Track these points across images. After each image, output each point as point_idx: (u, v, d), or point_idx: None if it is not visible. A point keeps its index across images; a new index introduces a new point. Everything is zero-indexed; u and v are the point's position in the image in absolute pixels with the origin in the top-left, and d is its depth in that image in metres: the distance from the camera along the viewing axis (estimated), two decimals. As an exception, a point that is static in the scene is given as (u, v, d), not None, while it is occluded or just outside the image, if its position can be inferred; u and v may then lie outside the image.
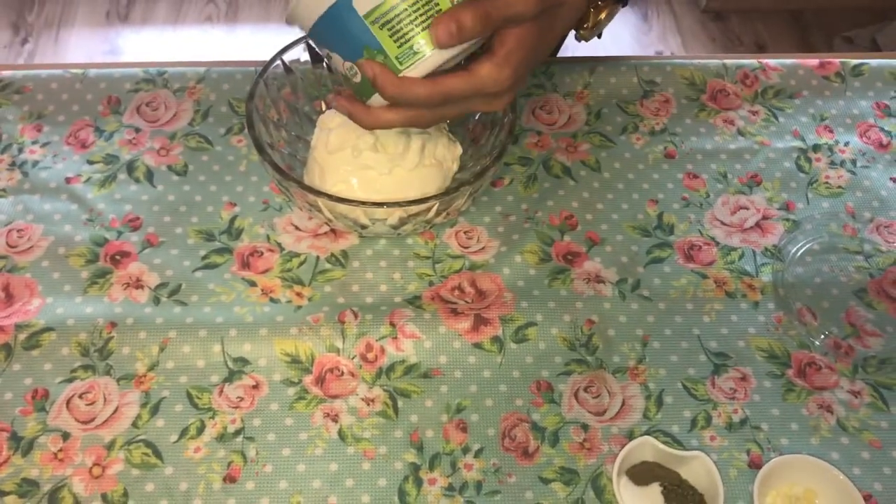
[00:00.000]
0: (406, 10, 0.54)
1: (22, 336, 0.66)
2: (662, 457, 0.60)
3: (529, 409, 0.64)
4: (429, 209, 0.66)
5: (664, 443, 0.61)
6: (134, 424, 0.62)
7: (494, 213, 0.75)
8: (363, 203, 0.64)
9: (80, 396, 0.63)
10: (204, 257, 0.71)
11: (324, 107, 0.77)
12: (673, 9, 2.27)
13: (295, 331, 0.67)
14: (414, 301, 0.69)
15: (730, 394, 0.66)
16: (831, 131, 0.83)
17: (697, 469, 0.59)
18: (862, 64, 0.88)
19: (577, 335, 0.68)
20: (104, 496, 0.59)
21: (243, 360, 0.65)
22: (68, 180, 0.75)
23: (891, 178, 0.80)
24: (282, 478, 0.60)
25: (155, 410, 0.63)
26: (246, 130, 0.80)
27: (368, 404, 0.64)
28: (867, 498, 0.61)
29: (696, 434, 0.64)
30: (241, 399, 0.64)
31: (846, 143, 0.82)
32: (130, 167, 0.77)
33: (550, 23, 0.59)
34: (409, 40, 0.54)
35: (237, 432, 0.62)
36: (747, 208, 0.77)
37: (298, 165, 0.74)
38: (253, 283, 0.70)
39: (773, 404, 0.65)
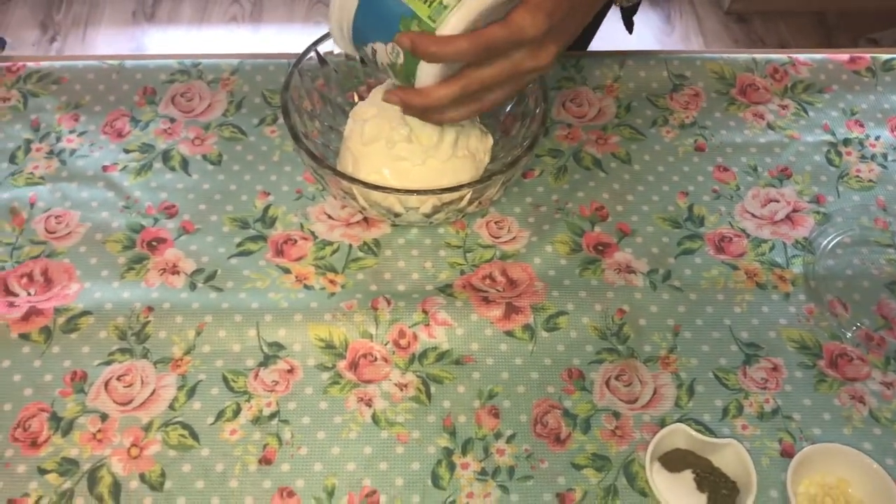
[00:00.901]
0: None
1: (61, 319, 0.67)
2: (695, 444, 0.60)
3: (561, 397, 0.65)
4: (462, 197, 0.67)
5: (696, 431, 0.61)
6: (171, 407, 0.63)
7: (525, 203, 0.76)
8: (397, 190, 0.65)
9: (118, 379, 0.64)
10: (239, 244, 0.72)
11: (356, 98, 0.78)
12: (696, 10, 2.27)
13: (329, 317, 0.68)
14: (445, 289, 0.70)
15: (761, 384, 0.66)
16: (862, 125, 0.83)
17: (730, 457, 0.60)
18: (893, 59, 0.88)
19: (608, 324, 0.68)
20: (142, 476, 0.60)
21: (278, 345, 0.66)
22: (105, 168, 0.77)
23: (922, 173, 0.79)
24: (317, 460, 0.61)
25: (191, 393, 0.64)
26: (279, 121, 0.81)
27: (401, 389, 0.64)
28: (900, 488, 0.61)
29: (728, 423, 0.64)
30: (277, 383, 0.64)
31: (877, 138, 0.82)
32: (166, 156, 0.78)
33: None
34: None
35: (272, 415, 0.63)
36: (777, 201, 0.77)
37: (331, 155, 0.74)
38: (287, 270, 0.70)
39: (804, 394, 0.65)
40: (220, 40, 2.13)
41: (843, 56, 0.89)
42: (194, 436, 0.62)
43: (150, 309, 0.68)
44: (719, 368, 0.66)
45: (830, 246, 0.74)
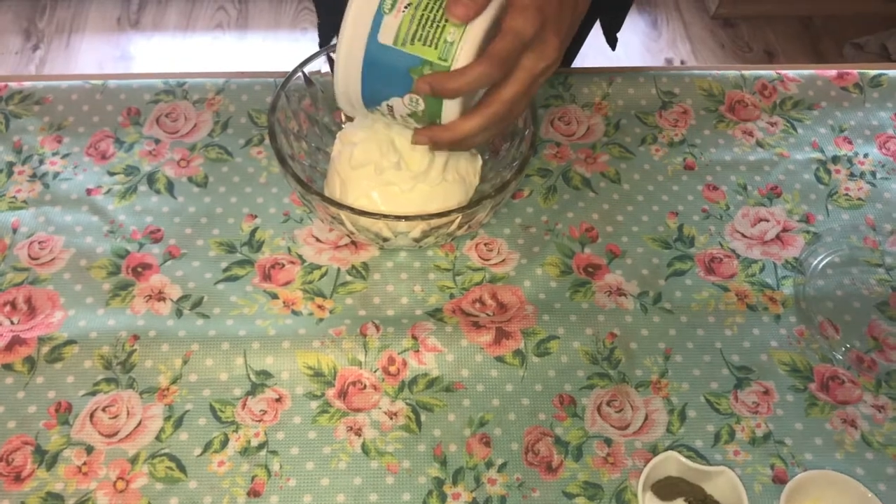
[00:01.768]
0: (423, 14, 0.55)
1: (45, 349, 0.66)
2: (687, 472, 0.60)
3: (552, 423, 0.64)
4: (451, 222, 0.66)
5: (688, 457, 0.61)
6: (157, 438, 0.62)
7: (514, 225, 0.75)
8: (386, 216, 0.64)
9: (104, 410, 0.63)
10: (225, 269, 0.71)
11: (343, 119, 0.77)
12: (682, 16, 2.27)
13: (317, 344, 0.67)
14: (435, 314, 0.69)
15: (753, 408, 0.65)
16: (850, 143, 0.83)
17: (722, 485, 0.59)
18: (880, 75, 0.88)
19: (599, 349, 0.68)
20: (129, 510, 0.59)
21: (266, 374, 0.65)
22: (89, 192, 0.76)
23: (911, 190, 0.80)
24: (306, 492, 0.60)
25: (178, 424, 0.63)
26: (266, 141, 0.80)
27: (391, 418, 0.64)
28: (892, 514, 0.61)
29: (720, 448, 0.63)
30: (265, 412, 0.64)
31: (865, 155, 0.82)
32: (151, 179, 0.77)
33: None
34: (440, 37, 0.55)
35: (261, 446, 0.62)
36: (767, 220, 0.77)
37: (318, 177, 0.74)
38: (275, 296, 0.70)
39: (796, 418, 0.65)
40: (205, 47, 2.11)
41: (831, 72, 0.89)
42: (181, 468, 0.61)
43: (136, 337, 0.67)
44: (710, 393, 0.66)
45: (821, 266, 0.73)
